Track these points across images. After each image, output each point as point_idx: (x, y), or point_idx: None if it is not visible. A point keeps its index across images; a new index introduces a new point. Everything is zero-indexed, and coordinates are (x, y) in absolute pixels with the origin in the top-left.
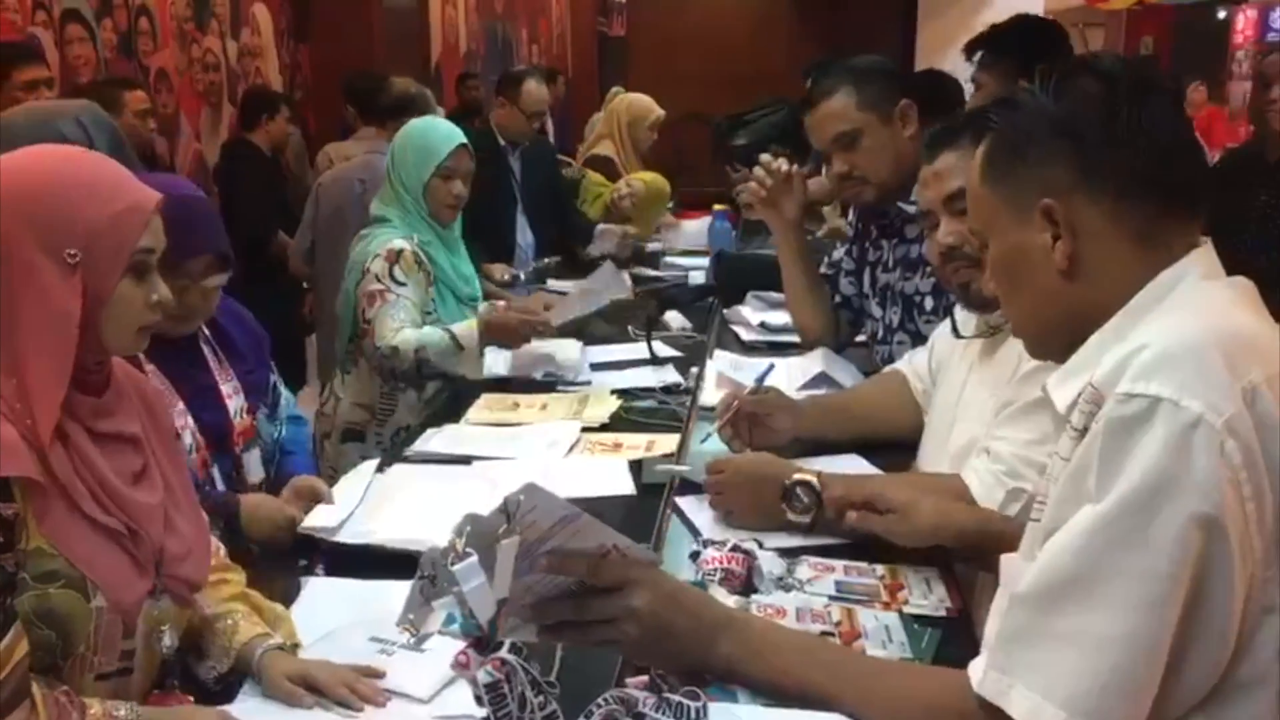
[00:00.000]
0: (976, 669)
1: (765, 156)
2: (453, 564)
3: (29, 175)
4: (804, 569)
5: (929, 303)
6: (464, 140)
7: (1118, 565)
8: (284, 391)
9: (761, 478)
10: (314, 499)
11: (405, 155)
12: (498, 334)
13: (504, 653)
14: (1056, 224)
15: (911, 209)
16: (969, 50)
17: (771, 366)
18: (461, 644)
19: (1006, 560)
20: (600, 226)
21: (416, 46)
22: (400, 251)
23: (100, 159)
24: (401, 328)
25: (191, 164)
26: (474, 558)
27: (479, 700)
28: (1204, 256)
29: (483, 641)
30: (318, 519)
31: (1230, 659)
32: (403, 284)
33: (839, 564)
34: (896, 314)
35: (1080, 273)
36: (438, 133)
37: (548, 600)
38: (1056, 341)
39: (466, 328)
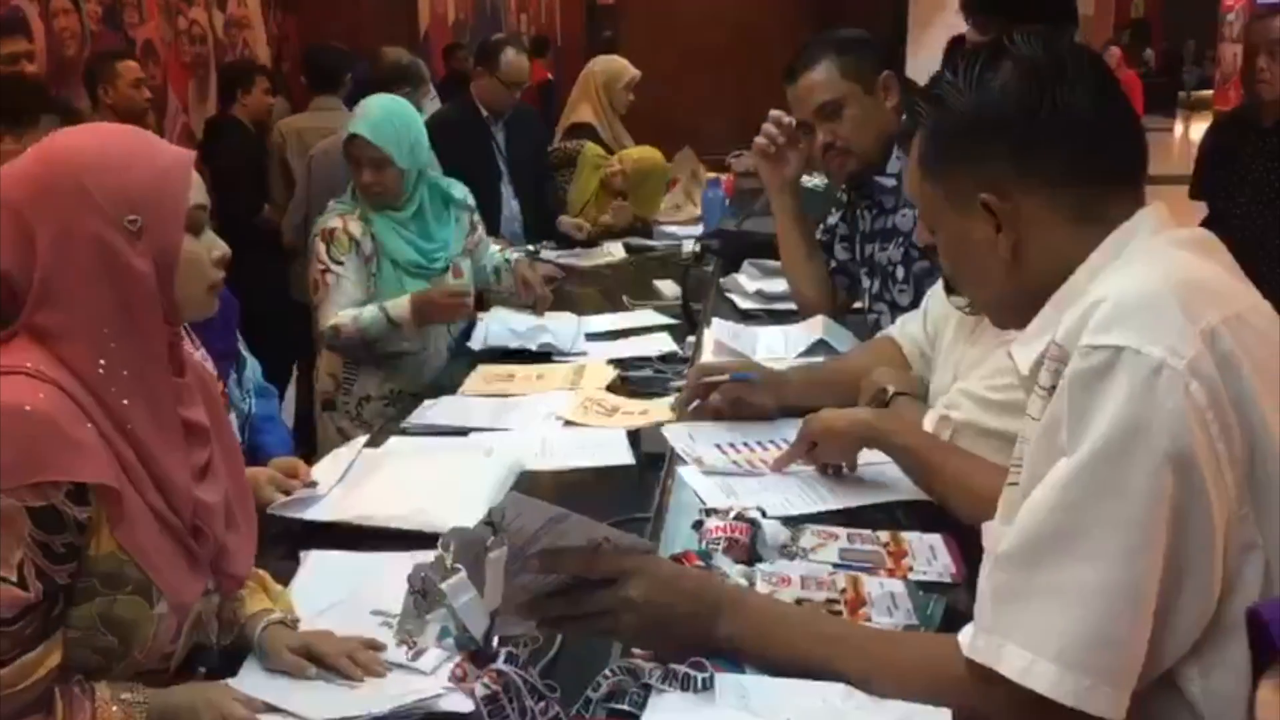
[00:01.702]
0: (966, 633)
1: (776, 112)
2: (441, 580)
3: (70, 154)
4: (808, 537)
5: (899, 272)
6: (358, 131)
7: (1096, 515)
8: (251, 360)
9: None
10: (294, 478)
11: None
12: (426, 311)
13: (500, 664)
14: (997, 216)
15: (888, 181)
16: (962, 5)
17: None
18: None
19: (988, 527)
20: (563, 218)
21: (405, 16)
22: (334, 230)
23: (129, 128)
24: (341, 309)
25: (179, 137)
26: (462, 573)
27: (478, 713)
28: (1153, 212)
29: (478, 654)
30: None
31: (1218, 601)
32: (340, 262)
33: (842, 531)
34: (877, 284)
35: (1025, 258)
36: (349, 121)
37: (544, 597)
38: (1013, 314)
39: (397, 304)
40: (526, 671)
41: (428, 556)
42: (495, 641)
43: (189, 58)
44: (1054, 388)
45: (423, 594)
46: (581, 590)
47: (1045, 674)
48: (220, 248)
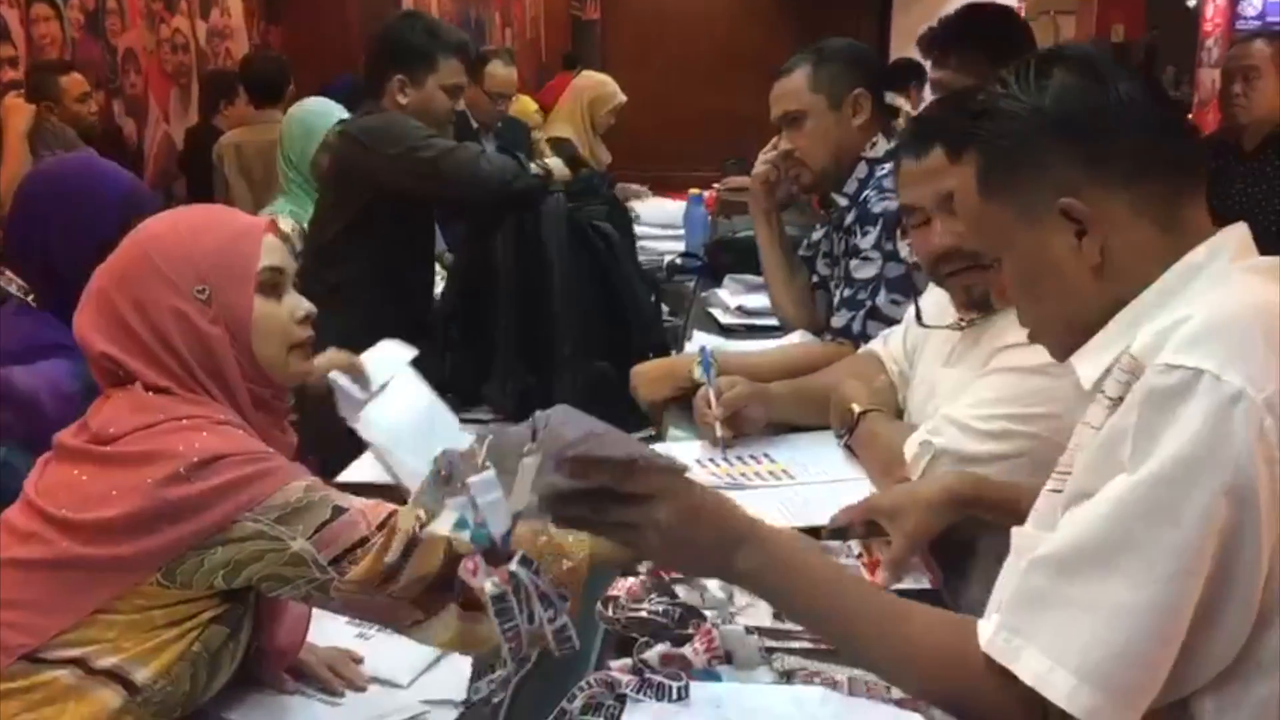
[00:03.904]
0: (986, 628)
1: (786, 146)
2: (469, 475)
3: (144, 236)
4: None
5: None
6: (345, 117)
7: (1145, 535)
8: None
9: None
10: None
11: (292, 134)
12: None
13: (513, 565)
14: (1079, 222)
15: (843, 200)
16: (926, 49)
17: (705, 350)
18: None
19: (1018, 532)
20: None
21: None
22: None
23: (198, 205)
24: None
25: (160, 146)
26: (491, 471)
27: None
28: (1236, 234)
29: (493, 553)
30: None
31: (1248, 640)
32: None
33: (816, 543)
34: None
35: (1110, 266)
36: (321, 109)
37: (568, 495)
38: (1084, 336)
39: None
40: (539, 577)
41: None
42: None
43: (171, 67)
44: (1120, 399)
45: (446, 478)
46: (608, 500)
47: (1061, 683)
48: (304, 307)
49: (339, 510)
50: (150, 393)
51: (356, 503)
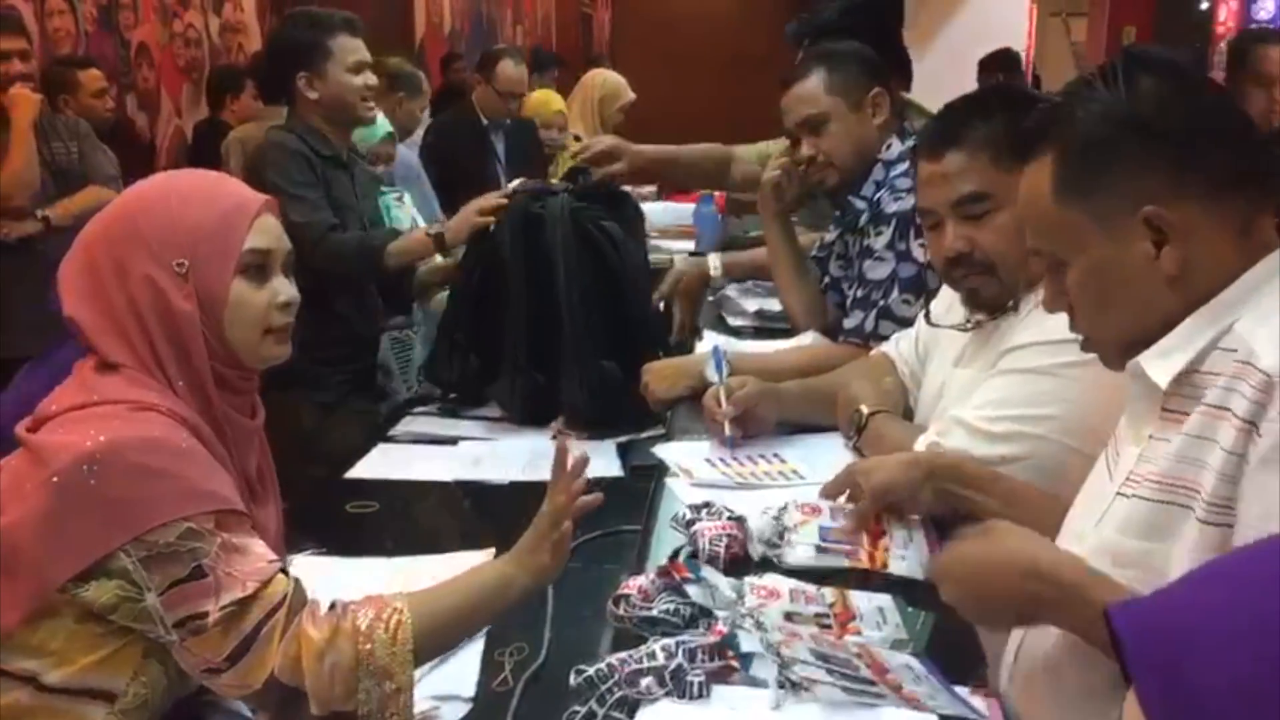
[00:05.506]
0: None
1: (803, 154)
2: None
3: (135, 198)
4: (791, 513)
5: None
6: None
7: None
8: None
9: None
10: None
11: None
12: None
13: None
14: (1161, 231)
15: (860, 203)
16: (798, 38)
17: (718, 349)
18: None
19: None
20: None
21: (401, 25)
22: None
23: (201, 172)
24: None
25: (172, 140)
26: None
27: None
28: None
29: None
30: None
31: None
32: None
33: (825, 506)
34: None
35: (1186, 277)
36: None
37: None
38: (1144, 349)
39: None
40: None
41: (414, 564)
42: None
43: (184, 61)
44: (1252, 422)
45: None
46: None
47: None
48: (286, 293)
49: (198, 572)
50: (99, 371)
51: (227, 570)
